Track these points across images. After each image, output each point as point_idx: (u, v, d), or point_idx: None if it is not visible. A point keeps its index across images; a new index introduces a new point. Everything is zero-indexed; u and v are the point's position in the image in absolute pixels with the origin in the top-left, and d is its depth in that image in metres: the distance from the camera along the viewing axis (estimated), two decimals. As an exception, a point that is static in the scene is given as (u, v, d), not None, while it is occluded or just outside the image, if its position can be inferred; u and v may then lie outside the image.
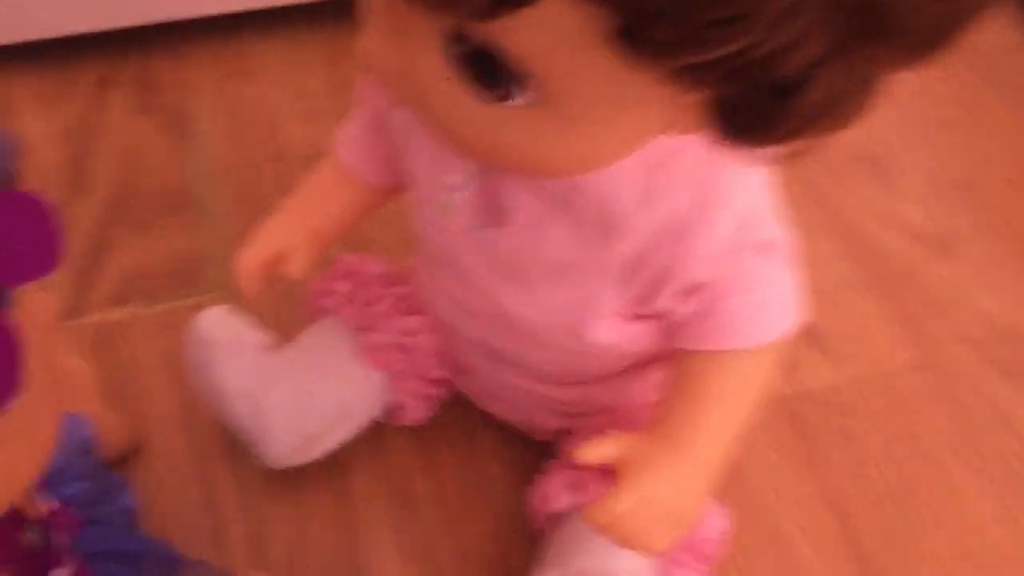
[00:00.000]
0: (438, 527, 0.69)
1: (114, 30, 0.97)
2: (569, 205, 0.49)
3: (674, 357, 0.55)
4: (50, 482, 0.54)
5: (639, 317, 0.54)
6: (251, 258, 0.61)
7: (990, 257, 0.88)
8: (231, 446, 0.72)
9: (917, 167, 0.95)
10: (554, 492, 0.61)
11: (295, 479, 0.70)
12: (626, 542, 0.51)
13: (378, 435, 0.72)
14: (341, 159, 0.63)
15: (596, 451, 0.51)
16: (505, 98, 0.36)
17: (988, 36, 1.08)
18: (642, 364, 0.61)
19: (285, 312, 0.80)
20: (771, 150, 0.36)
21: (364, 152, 0.62)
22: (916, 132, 0.99)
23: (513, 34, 0.33)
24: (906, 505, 0.72)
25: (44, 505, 0.49)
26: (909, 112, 1.01)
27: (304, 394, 0.65)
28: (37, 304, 0.38)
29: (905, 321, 0.83)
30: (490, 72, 0.36)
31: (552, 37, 0.33)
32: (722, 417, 0.53)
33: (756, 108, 0.32)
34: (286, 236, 0.62)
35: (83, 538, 0.52)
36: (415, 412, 0.69)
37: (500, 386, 0.65)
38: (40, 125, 0.94)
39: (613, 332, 0.54)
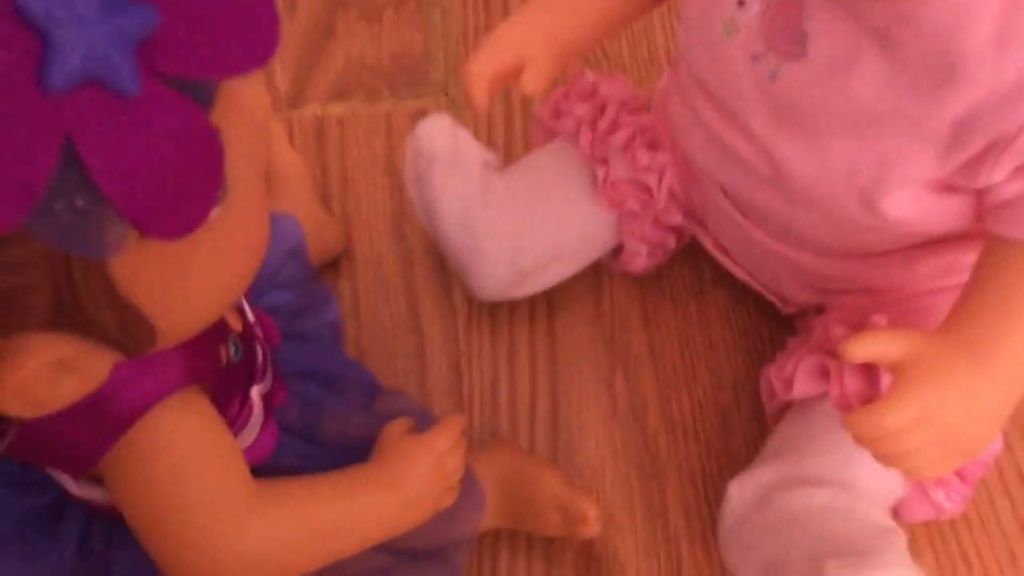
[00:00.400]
0: (651, 388, 0.63)
1: None
2: (892, 38, 0.39)
3: (983, 244, 0.45)
4: (257, 290, 0.52)
5: (949, 188, 0.44)
6: (483, 66, 0.53)
7: None
8: (440, 267, 0.67)
9: None
10: (799, 377, 0.53)
11: (503, 312, 0.65)
12: (890, 460, 0.43)
13: (597, 279, 0.66)
14: None
15: (872, 345, 0.43)
16: None
17: None
18: (930, 244, 0.51)
19: (512, 126, 0.73)
20: None
21: None
22: None
23: None
24: None
25: (248, 315, 0.46)
26: None
27: (524, 225, 0.59)
28: (249, 100, 0.34)
29: None
30: None
31: None
32: None
33: None
34: (524, 44, 0.54)
35: (283, 352, 0.49)
36: (642, 260, 0.62)
37: (748, 245, 0.57)
38: None
39: (914, 205, 0.44)
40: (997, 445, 0.53)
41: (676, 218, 0.60)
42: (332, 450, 0.47)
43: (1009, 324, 0.43)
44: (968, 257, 0.47)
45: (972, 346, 0.43)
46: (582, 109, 0.60)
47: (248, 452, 0.43)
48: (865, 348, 0.43)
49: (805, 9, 0.41)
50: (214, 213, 0.31)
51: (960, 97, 0.39)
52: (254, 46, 0.29)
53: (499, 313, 0.65)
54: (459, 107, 0.74)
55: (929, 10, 0.38)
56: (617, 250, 0.63)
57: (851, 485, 0.50)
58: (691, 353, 0.64)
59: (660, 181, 0.59)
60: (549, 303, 0.65)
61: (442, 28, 0.79)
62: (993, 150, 0.40)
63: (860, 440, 0.43)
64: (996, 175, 0.41)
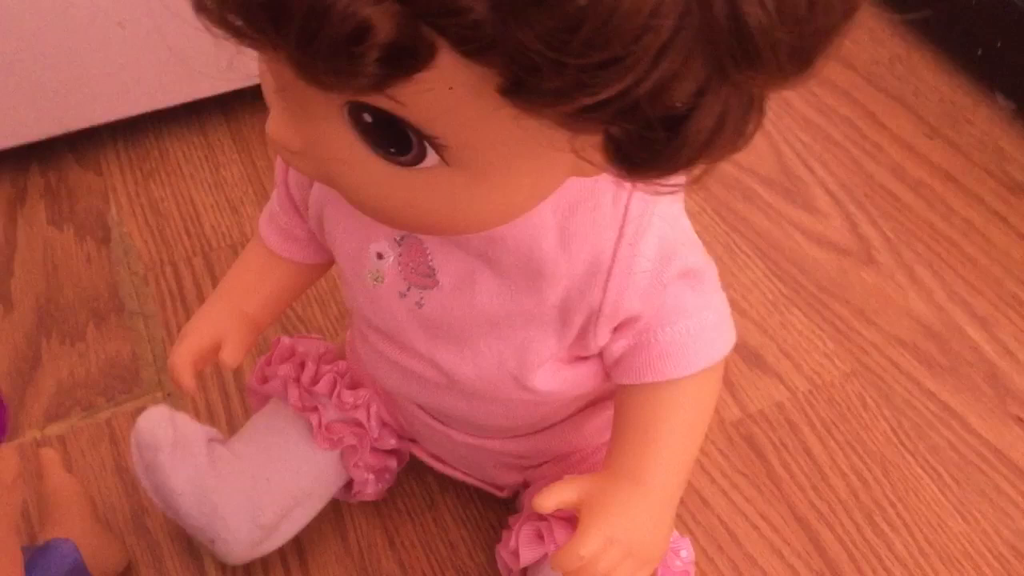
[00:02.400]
0: (378, 533, 0.68)
1: (21, 145, 0.96)
2: (492, 258, 0.49)
3: (617, 394, 0.56)
4: None
5: (579, 359, 0.55)
6: (184, 352, 0.60)
7: (910, 259, 0.91)
8: (188, 547, 0.70)
9: (827, 182, 0.99)
10: (522, 545, 0.61)
11: (258, 571, 0.69)
12: None
13: (338, 515, 0.71)
14: (265, 240, 0.62)
15: (553, 497, 0.51)
16: (416, 161, 0.37)
17: (870, 52, 1.13)
18: (590, 406, 0.62)
19: (227, 403, 0.79)
20: (674, 179, 0.37)
21: (286, 233, 0.62)
22: (821, 148, 1.02)
23: (410, 102, 0.34)
24: (865, 509, 0.73)
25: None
26: (810, 131, 1.04)
27: (258, 484, 0.64)
28: None
29: (837, 331, 0.85)
30: (396, 138, 0.36)
31: (448, 100, 0.33)
32: (675, 447, 0.53)
33: (651, 141, 0.33)
34: (217, 325, 0.61)
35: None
36: (372, 486, 0.69)
37: (453, 447, 0.65)
38: (-46, 248, 0.92)
39: (555, 377, 0.54)
40: (689, 555, 0.62)
41: (391, 442, 0.68)
42: None
43: (649, 450, 0.53)
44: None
45: (629, 474, 0.52)
46: (284, 369, 0.67)
47: None
48: (550, 499, 0.51)
49: (428, 251, 0.51)
50: None
51: (552, 290, 0.49)
52: None
53: (253, 571, 0.69)
54: (176, 398, 0.79)
55: (509, 233, 0.47)
56: (348, 484, 0.69)
57: None
58: (437, 559, 0.70)
59: (368, 414, 0.66)
60: (299, 549, 0.70)
61: (147, 333, 0.85)
62: (591, 322, 0.50)
63: (567, 574, 0.51)
64: (601, 339, 0.51)
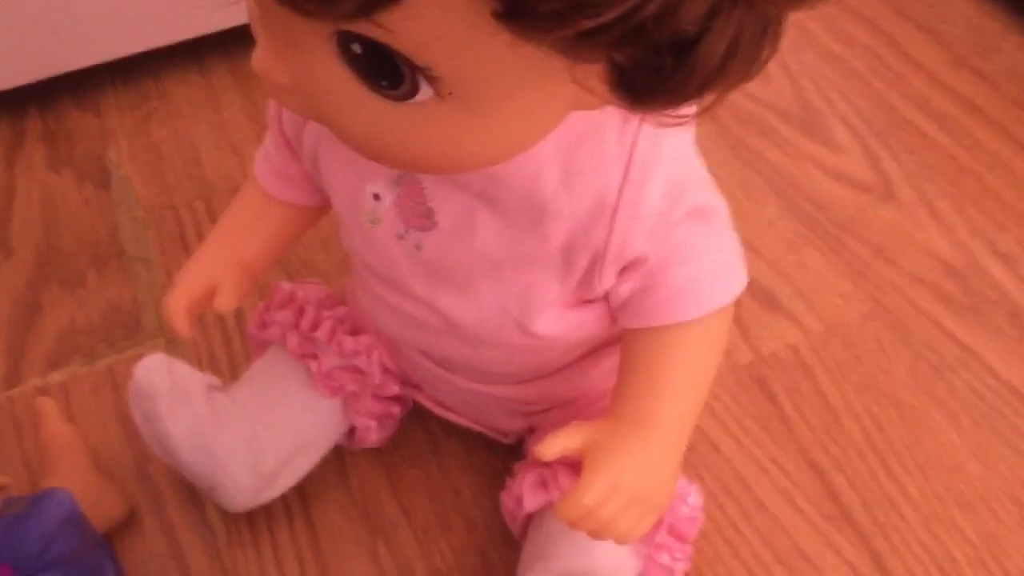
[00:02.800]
0: (413, 548, 0.67)
1: (18, 87, 0.94)
2: (493, 198, 0.47)
3: (623, 338, 0.54)
4: (24, 571, 0.52)
5: (583, 302, 0.53)
6: (178, 298, 0.58)
7: (932, 195, 0.88)
8: (190, 495, 0.69)
9: (848, 115, 0.95)
10: (526, 492, 0.60)
11: (260, 519, 0.68)
12: (600, 533, 0.50)
13: (341, 462, 0.70)
14: (260, 183, 0.60)
15: (556, 444, 0.49)
16: (409, 95, 0.35)
17: (899, -23, 1.08)
18: (596, 350, 0.60)
19: (228, 350, 0.78)
20: (684, 109, 0.35)
21: (280, 174, 0.60)
22: (842, 80, 0.98)
23: (399, 29, 0.31)
24: (879, 453, 0.71)
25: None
26: (831, 63, 1.00)
27: (258, 432, 0.63)
28: None
29: (854, 271, 0.82)
30: (389, 70, 0.34)
31: (439, 26, 0.31)
32: (682, 392, 0.52)
33: (659, 68, 0.31)
34: (212, 270, 0.59)
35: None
36: (375, 433, 0.68)
37: (456, 393, 0.64)
38: (-47, 194, 0.91)
39: (559, 321, 0.52)
40: (697, 501, 0.61)
41: (393, 389, 0.66)
42: None
43: (655, 395, 0.51)
44: (624, 354, 0.57)
45: (634, 419, 0.51)
46: (283, 316, 0.65)
47: None
48: (552, 447, 0.49)
49: (426, 191, 0.49)
50: None
51: (555, 231, 0.47)
52: None
53: (256, 520, 0.68)
54: (178, 345, 0.78)
55: (511, 171, 0.45)
56: (351, 431, 0.68)
57: (594, 571, 0.57)
58: (440, 505, 0.69)
59: (370, 360, 0.65)
60: (302, 497, 0.69)
61: (148, 278, 0.84)
62: (596, 264, 0.48)
63: (571, 523, 0.49)
64: (606, 282, 0.49)
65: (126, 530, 0.68)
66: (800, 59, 1.00)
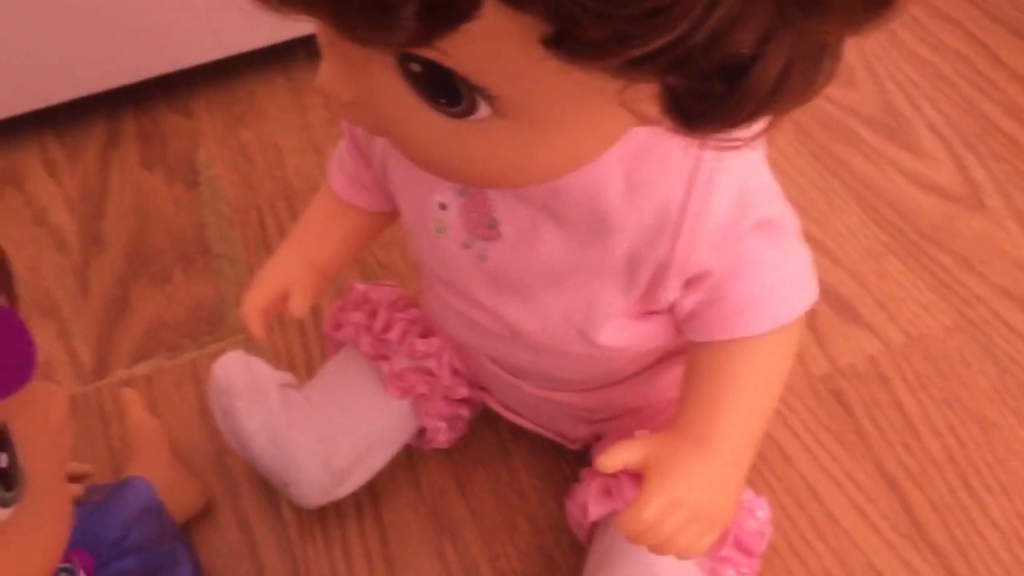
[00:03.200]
0: (479, 548, 0.68)
1: (115, 88, 0.98)
2: (556, 210, 0.47)
3: (688, 350, 0.53)
4: (102, 558, 0.54)
5: (648, 314, 0.52)
6: (254, 300, 0.60)
7: (1022, 205, 0.85)
8: (265, 488, 0.71)
9: (935, 122, 0.92)
10: (590, 501, 0.60)
11: (331, 514, 0.70)
12: (661, 548, 0.49)
13: (411, 461, 0.71)
14: (333, 189, 0.62)
15: (617, 457, 0.49)
16: (467, 113, 0.35)
17: (994, -21, 1.05)
18: (663, 360, 0.59)
19: (305, 348, 0.80)
20: (739, 133, 0.34)
21: (354, 180, 0.61)
22: (931, 87, 0.96)
23: (454, 53, 0.32)
24: (960, 471, 0.69)
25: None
26: (919, 67, 0.98)
27: (330, 430, 0.65)
28: (45, 399, 0.37)
29: (938, 282, 0.80)
30: (446, 89, 0.35)
31: (492, 50, 0.32)
32: (745, 408, 0.51)
33: (710, 94, 0.31)
34: (287, 273, 0.61)
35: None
36: (444, 434, 0.68)
37: (523, 398, 0.64)
38: (51, 189, 0.95)
39: (624, 333, 0.52)
40: (765, 514, 0.60)
41: (462, 391, 0.67)
42: None
43: (719, 410, 0.50)
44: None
45: (696, 434, 0.50)
46: (357, 316, 0.67)
47: None
48: (613, 460, 0.49)
49: (490, 202, 0.49)
50: (6, 513, 0.33)
51: (618, 242, 0.47)
52: (16, 369, 0.32)
53: (328, 516, 0.70)
54: (256, 343, 0.80)
55: (573, 183, 0.45)
56: (421, 431, 0.69)
57: None
58: (507, 507, 0.70)
59: (440, 362, 0.66)
60: (372, 495, 0.70)
61: (232, 275, 0.86)
62: (659, 276, 0.48)
63: (631, 538, 0.49)
64: (671, 294, 0.49)
65: (203, 521, 0.70)
66: (886, 63, 0.98)
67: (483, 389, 0.68)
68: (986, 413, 0.72)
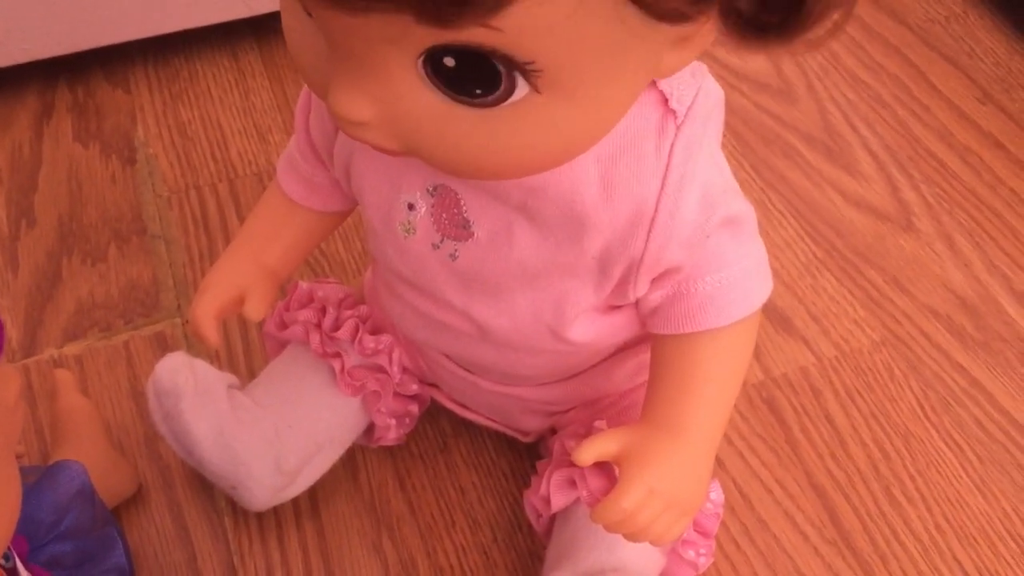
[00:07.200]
0: (416, 543, 0.68)
1: (51, 58, 0.95)
2: (532, 210, 0.48)
3: (652, 341, 0.54)
4: (36, 542, 0.53)
5: (614, 308, 0.53)
6: (206, 306, 0.58)
7: (950, 228, 0.88)
8: (200, 476, 0.70)
9: (871, 143, 0.96)
10: (553, 491, 0.60)
11: (268, 514, 0.68)
12: (637, 536, 0.51)
13: (350, 454, 0.71)
14: (285, 189, 0.60)
15: (594, 449, 0.50)
16: (504, 97, 0.35)
17: (924, 9, 1.09)
18: (618, 353, 0.60)
19: (247, 347, 0.78)
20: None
21: (306, 182, 0.60)
22: (868, 109, 0.99)
23: (508, 27, 0.32)
24: (884, 481, 0.72)
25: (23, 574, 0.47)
26: (857, 89, 1.01)
27: (280, 431, 0.63)
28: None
29: (868, 298, 0.83)
30: (484, 76, 0.35)
31: (548, 15, 0.32)
32: (713, 397, 0.52)
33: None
34: (238, 277, 0.59)
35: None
36: (394, 431, 0.68)
37: (477, 394, 0.64)
38: (-21, 160, 0.92)
39: (593, 327, 0.53)
40: (719, 497, 0.62)
41: (413, 388, 0.67)
42: None
43: (688, 399, 0.52)
44: (648, 355, 0.57)
45: (667, 425, 0.51)
46: (305, 315, 0.65)
47: None
48: (590, 452, 0.50)
49: (463, 203, 0.49)
50: None
51: (593, 242, 0.48)
52: None
53: (267, 513, 0.69)
54: (211, 347, 0.78)
55: (550, 183, 0.46)
56: (369, 429, 0.68)
57: (623, 568, 0.58)
58: (446, 503, 0.70)
59: (391, 359, 0.65)
60: (310, 487, 0.69)
61: (168, 257, 0.84)
62: (631, 273, 0.49)
63: (608, 527, 0.50)
64: (640, 289, 0.50)
65: (134, 506, 0.69)
66: (826, 83, 1.01)
67: (433, 385, 0.68)
68: (910, 427, 0.75)
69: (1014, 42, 1.05)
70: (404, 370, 0.66)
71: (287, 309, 0.67)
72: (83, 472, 0.59)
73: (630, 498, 0.49)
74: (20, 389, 0.38)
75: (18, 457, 0.63)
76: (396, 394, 0.66)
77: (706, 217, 0.47)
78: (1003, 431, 0.75)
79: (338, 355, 0.64)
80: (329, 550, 0.67)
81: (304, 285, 0.67)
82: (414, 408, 0.68)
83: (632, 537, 0.51)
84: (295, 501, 0.69)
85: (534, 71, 0.34)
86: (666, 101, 0.45)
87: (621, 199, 0.47)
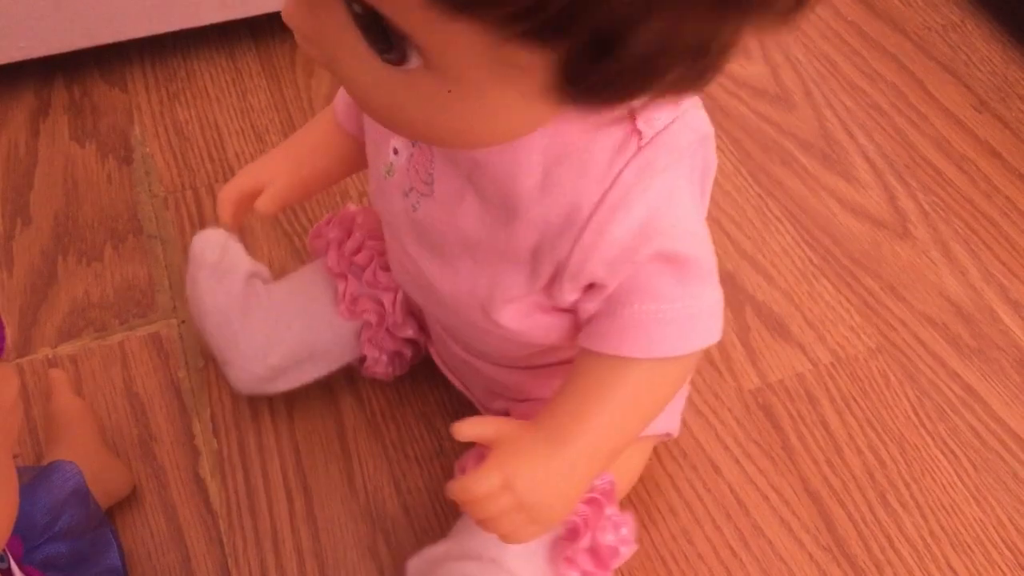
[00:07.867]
0: (412, 546, 0.67)
1: (47, 56, 0.94)
2: (476, 182, 0.48)
3: (577, 353, 0.53)
4: (31, 543, 0.53)
5: (555, 309, 0.53)
6: (229, 189, 0.63)
7: (947, 236, 0.88)
8: (192, 480, 0.70)
9: (868, 150, 0.96)
10: (469, 464, 0.60)
11: (262, 506, 0.69)
12: (485, 526, 0.50)
13: (346, 456, 0.71)
14: (336, 110, 0.64)
15: (473, 428, 0.50)
16: (399, 61, 0.36)
17: (923, 17, 1.09)
18: (569, 362, 0.60)
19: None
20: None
21: (353, 107, 0.62)
22: (866, 116, 0.99)
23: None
24: (879, 488, 0.72)
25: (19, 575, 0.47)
26: (855, 96, 1.01)
27: (277, 327, 0.67)
28: None
29: (866, 305, 0.83)
30: (382, 35, 0.35)
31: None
32: (606, 424, 0.51)
33: (593, 59, 0.32)
34: (267, 172, 0.63)
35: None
36: (383, 367, 0.70)
37: (452, 355, 0.66)
38: (-25, 158, 0.91)
39: (526, 320, 0.52)
40: (630, 533, 0.60)
41: (408, 331, 0.68)
42: None
43: (581, 417, 0.50)
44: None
45: (551, 432, 0.50)
46: (333, 232, 0.69)
47: None
48: (468, 430, 0.49)
49: (433, 159, 0.50)
50: None
51: (525, 233, 0.47)
52: None
53: (259, 508, 0.68)
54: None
55: (492, 160, 0.46)
56: (363, 358, 0.70)
57: (499, 562, 0.57)
58: (442, 506, 0.70)
59: (395, 298, 0.67)
60: (305, 489, 0.69)
61: (164, 257, 0.84)
62: (558, 276, 0.48)
63: (458, 504, 0.49)
64: (567, 295, 0.49)
65: (127, 508, 0.68)
66: (824, 90, 1.01)
67: (429, 338, 0.69)
68: (905, 434, 0.75)
69: (1011, 51, 1.06)
70: (408, 313, 0.68)
71: (327, 223, 0.71)
72: (77, 472, 0.59)
73: (481, 484, 0.48)
74: (18, 389, 0.38)
75: (14, 457, 0.62)
76: (390, 332, 0.68)
77: (638, 244, 0.46)
78: (998, 439, 0.75)
79: (346, 277, 0.68)
80: (324, 553, 0.67)
81: (351, 208, 0.71)
82: (407, 352, 0.70)
83: (481, 524, 0.50)
84: (290, 503, 0.69)
85: (415, 45, 0.35)
86: (634, 119, 0.45)
87: (556, 198, 0.46)
